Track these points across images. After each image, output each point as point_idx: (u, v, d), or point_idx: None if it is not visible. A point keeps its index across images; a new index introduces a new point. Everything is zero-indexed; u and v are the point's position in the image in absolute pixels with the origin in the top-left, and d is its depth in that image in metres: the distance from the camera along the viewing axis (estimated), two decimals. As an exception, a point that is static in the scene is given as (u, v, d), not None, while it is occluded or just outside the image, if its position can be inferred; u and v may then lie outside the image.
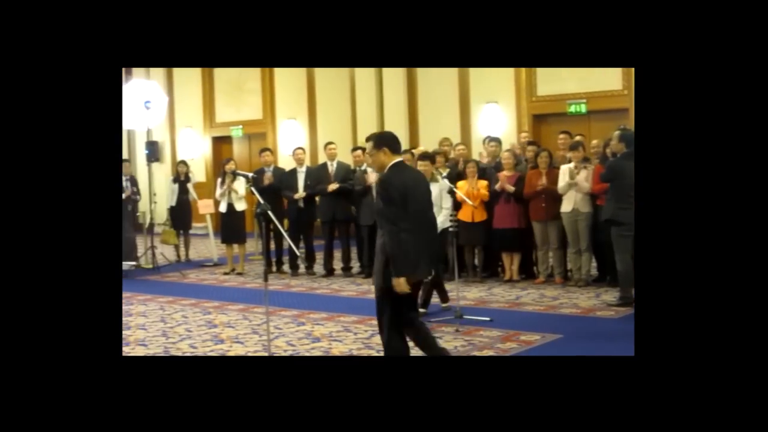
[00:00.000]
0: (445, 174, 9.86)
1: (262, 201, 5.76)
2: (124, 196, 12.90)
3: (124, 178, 13.17)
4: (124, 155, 19.62)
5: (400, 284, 5.28)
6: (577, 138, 10.54)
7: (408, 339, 5.64)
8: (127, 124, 15.64)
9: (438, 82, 15.57)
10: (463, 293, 9.30)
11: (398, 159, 5.55)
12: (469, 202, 9.65)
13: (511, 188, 10.07)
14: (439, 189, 8.45)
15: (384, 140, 5.57)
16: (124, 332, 8.20)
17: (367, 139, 5.78)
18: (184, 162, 14.63)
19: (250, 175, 6.36)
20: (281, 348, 7.20)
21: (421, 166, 8.44)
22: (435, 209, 8.27)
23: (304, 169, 11.88)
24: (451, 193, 9.13)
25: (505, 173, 10.27)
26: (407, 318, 5.58)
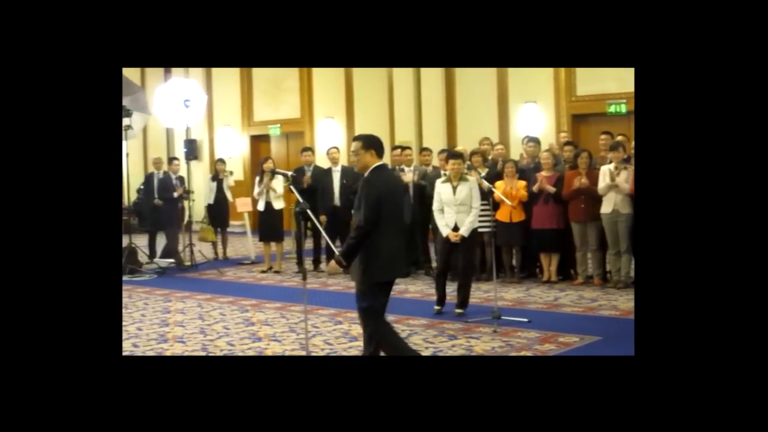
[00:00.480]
0: (483, 174, 9.82)
1: (301, 199, 5.76)
2: (175, 194, 12.96)
3: (173, 177, 13.22)
4: (163, 153, 19.77)
5: (334, 267, 5.79)
6: (619, 138, 10.42)
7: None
8: (166, 123, 15.78)
9: (476, 82, 15.50)
10: (501, 294, 9.25)
11: (381, 162, 5.86)
12: (508, 203, 9.60)
13: (551, 189, 10.00)
14: (468, 189, 8.41)
15: (372, 143, 5.90)
16: (162, 329, 8.26)
17: (356, 139, 5.99)
18: (222, 160, 14.68)
19: (290, 173, 6.35)
20: (318, 347, 7.21)
21: (452, 164, 8.42)
22: (463, 209, 8.30)
23: (339, 168, 11.89)
24: (490, 193, 9.11)
25: (544, 173, 10.20)
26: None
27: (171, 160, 13.87)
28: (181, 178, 13.41)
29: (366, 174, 5.79)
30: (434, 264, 11.00)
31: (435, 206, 8.53)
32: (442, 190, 8.44)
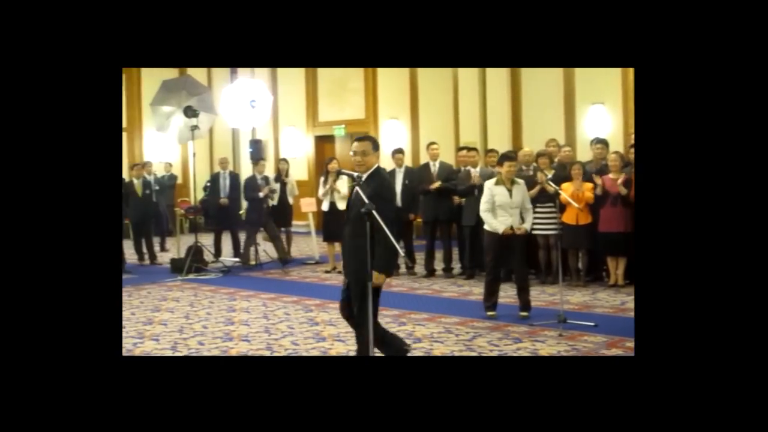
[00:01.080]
0: (550, 176, 9.73)
1: (367, 200, 5.74)
2: (261, 194, 12.96)
3: (259, 177, 13.24)
4: (229, 153, 19.97)
5: (380, 278, 5.59)
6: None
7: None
8: (232, 123, 15.93)
9: (542, 83, 15.34)
10: (567, 297, 9.13)
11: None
12: (575, 205, 9.50)
13: (624, 190, 9.84)
14: (522, 191, 8.35)
15: (378, 145, 5.98)
16: (228, 328, 8.32)
17: (364, 139, 5.95)
18: (285, 160, 14.70)
19: (356, 174, 6.30)
20: (382, 348, 7.19)
21: (508, 167, 8.34)
22: (517, 211, 8.22)
23: (402, 169, 11.89)
24: (556, 195, 9.01)
25: (611, 176, 10.05)
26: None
27: (258, 160, 13.79)
28: (266, 178, 13.34)
29: (378, 174, 5.86)
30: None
31: (484, 207, 8.43)
32: (497, 193, 8.34)
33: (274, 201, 13.35)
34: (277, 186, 13.55)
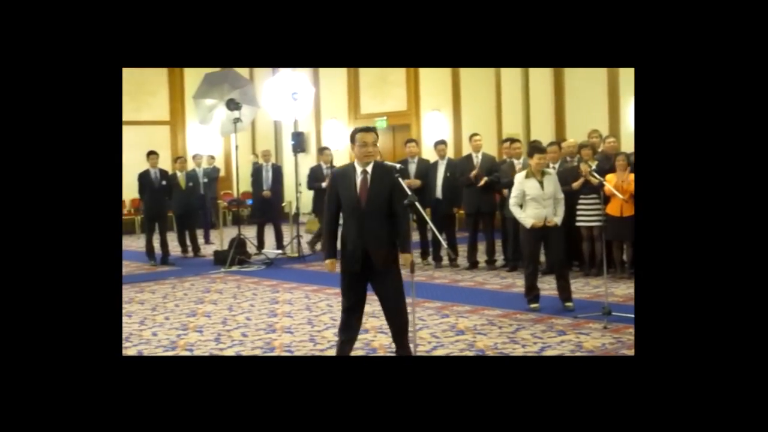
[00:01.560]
0: (594, 167, 9.63)
1: (409, 192, 5.72)
2: (323, 185, 12.78)
3: (324, 166, 13.17)
4: (271, 146, 20.04)
5: (409, 259, 5.75)
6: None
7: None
8: (274, 115, 15.98)
9: (586, 73, 15.12)
10: (611, 290, 9.04)
11: None
12: (619, 196, 9.39)
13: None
14: (553, 181, 8.29)
15: None
16: (271, 320, 8.35)
17: (371, 130, 5.91)
18: (325, 148, 14.47)
19: (398, 165, 6.27)
20: (425, 339, 7.17)
21: (538, 159, 8.27)
22: (550, 202, 8.14)
23: (445, 161, 11.82)
24: (600, 186, 8.93)
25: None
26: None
27: (322, 150, 13.71)
28: (333, 168, 13.18)
29: (378, 164, 5.88)
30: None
31: (513, 201, 8.36)
32: (528, 186, 8.26)
33: None
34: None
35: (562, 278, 8.40)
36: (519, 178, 8.43)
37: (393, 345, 6.00)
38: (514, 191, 8.37)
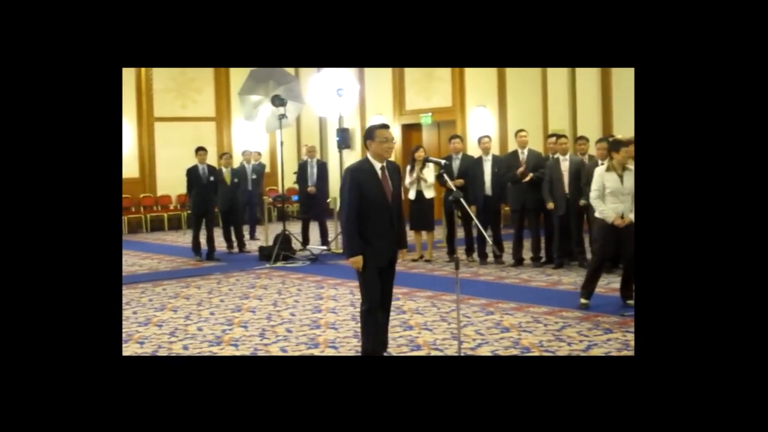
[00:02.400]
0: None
1: (454, 188, 5.69)
2: None
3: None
4: (316, 142, 20.10)
5: (404, 255, 6.27)
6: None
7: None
8: (319, 112, 16.01)
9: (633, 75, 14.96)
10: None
11: None
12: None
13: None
14: (633, 179, 8.13)
15: None
16: (315, 315, 8.35)
17: (389, 127, 6.10)
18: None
19: (443, 161, 6.27)
20: (470, 337, 7.12)
21: (625, 153, 8.06)
22: (629, 198, 7.98)
23: (490, 157, 11.73)
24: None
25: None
26: None
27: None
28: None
29: (390, 162, 6.09)
30: (588, 255, 10.77)
31: (594, 194, 8.22)
32: (608, 179, 8.11)
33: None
34: None
35: (629, 274, 8.22)
36: (599, 171, 8.30)
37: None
38: (595, 184, 8.24)
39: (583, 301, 8.26)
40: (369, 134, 5.97)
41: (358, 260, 5.90)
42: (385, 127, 6.04)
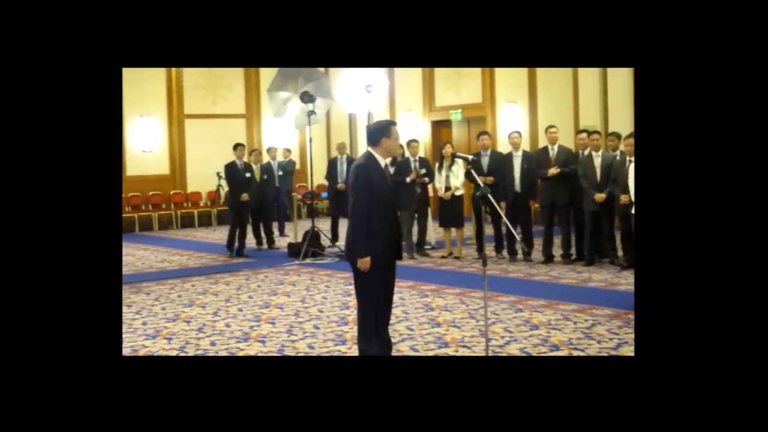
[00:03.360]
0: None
1: (482, 184, 5.64)
2: (408, 180, 12.07)
3: (412, 160, 12.56)
4: (346, 138, 20.07)
5: None
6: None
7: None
8: (348, 108, 15.97)
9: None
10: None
11: None
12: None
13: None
14: None
15: None
16: (343, 312, 8.33)
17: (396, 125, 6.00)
18: (415, 140, 12.88)
19: (470, 157, 6.23)
20: (498, 334, 7.06)
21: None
22: None
23: (520, 153, 11.63)
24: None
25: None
26: None
27: (410, 143, 12.94)
28: (423, 161, 12.51)
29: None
30: (619, 252, 10.66)
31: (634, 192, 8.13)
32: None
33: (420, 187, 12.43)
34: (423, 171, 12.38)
35: None
36: (632, 169, 8.22)
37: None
38: (632, 181, 8.17)
39: None
40: (385, 131, 5.83)
41: (368, 261, 5.74)
42: (395, 123, 6.03)
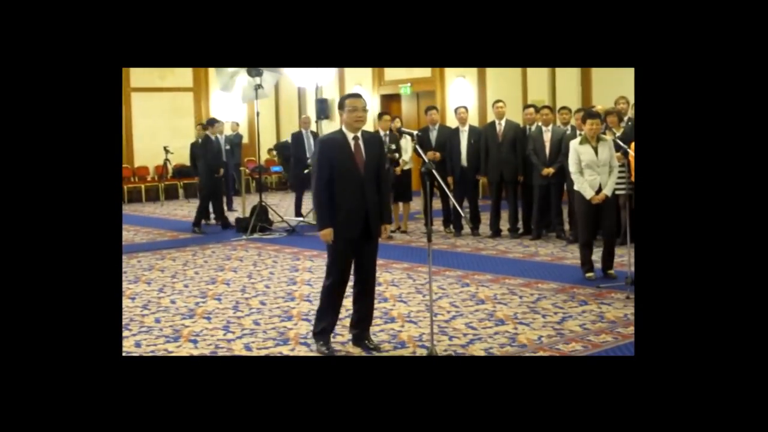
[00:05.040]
0: (619, 134, 9.44)
1: (426, 159, 5.63)
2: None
3: (382, 134, 12.26)
4: (294, 113, 19.94)
5: (388, 230, 6.32)
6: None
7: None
8: (298, 82, 15.86)
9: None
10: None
11: None
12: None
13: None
14: (608, 148, 8.09)
15: None
16: (290, 287, 8.30)
17: (360, 96, 5.98)
18: (386, 113, 12.90)
19: (415, 132, 6.20)
20: (444, 309, 7.09)
21: (591, 125, 8.05)
22: (605, 169, 7.96)
23: (467, 128, 11.63)
24: (626, 155, 8.74)
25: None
26: None
27: (381, 115, 12.41)
28: (392, 136, 11.95)
29: (372, 134, 6.21)
30: (566, 226, 10.74)
31: (573, 168, 8.14)
32: (582, 152, 8.07)
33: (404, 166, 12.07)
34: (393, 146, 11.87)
35: (610, 246, 8.27)
36: (573, 144, 8.24)
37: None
38: (572, 158, 8.18)
39: (588, 274, 8.22)
40: (339, 104, 5.90)
41: (328, 233, 5.78)
42: (356, 96, 5.92)
